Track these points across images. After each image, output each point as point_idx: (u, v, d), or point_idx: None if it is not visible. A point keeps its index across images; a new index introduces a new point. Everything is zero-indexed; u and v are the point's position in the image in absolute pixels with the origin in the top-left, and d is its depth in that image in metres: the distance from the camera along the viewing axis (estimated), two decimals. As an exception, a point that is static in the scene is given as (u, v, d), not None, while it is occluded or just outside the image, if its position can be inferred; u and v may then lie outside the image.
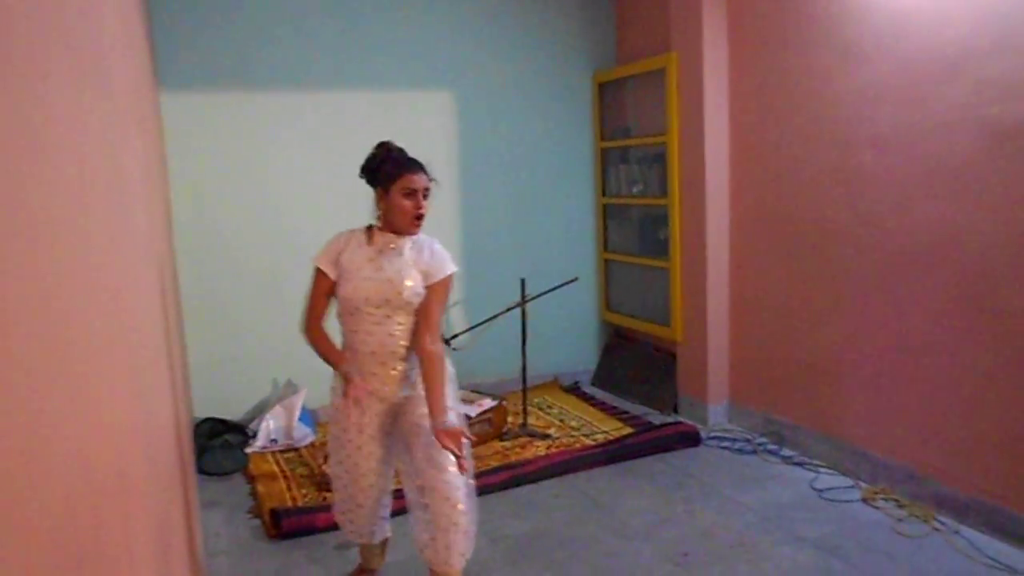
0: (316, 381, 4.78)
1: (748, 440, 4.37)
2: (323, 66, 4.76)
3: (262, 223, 4.71)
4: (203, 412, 4.50)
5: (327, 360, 2.57)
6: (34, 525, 0.58)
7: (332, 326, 2.66)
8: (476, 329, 4.63)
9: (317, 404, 4.80)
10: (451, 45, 5.05)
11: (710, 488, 3.80)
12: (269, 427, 4.45)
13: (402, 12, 4.91)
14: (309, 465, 4.16)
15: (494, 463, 4.10)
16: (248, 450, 4.34)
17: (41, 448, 0.62)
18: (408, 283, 2.48)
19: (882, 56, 3.53)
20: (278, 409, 4.53)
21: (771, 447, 4.26)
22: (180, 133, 4.44)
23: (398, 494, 3.80)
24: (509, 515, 3.56)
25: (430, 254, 2.55)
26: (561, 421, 4.80)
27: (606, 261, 5.59)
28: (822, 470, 3.93)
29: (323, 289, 2.57)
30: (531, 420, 4.71)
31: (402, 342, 2.52)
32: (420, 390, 2.54)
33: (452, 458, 2.42)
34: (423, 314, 2.50)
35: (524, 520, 3.53)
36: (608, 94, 5.44)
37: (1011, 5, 3.00)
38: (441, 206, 5.00)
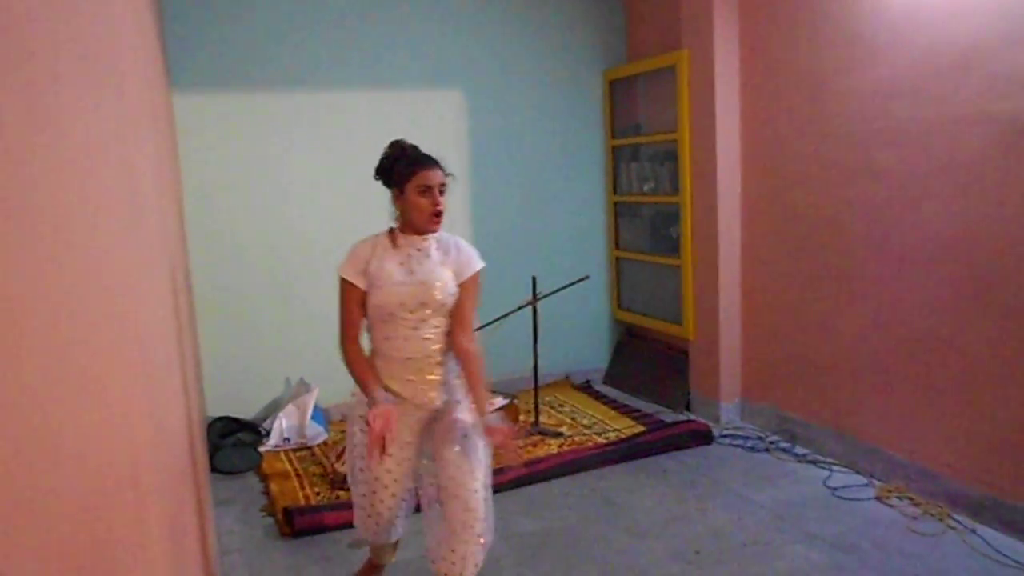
0: (328, 380, 4.80)
1: (761, 438, 4.35)
2: (333, 66, 4.77)
3: (274, 222, 4.73)
4: (216, 411, 4.53)
5: (360, 384, 2.44)
6: (47, 526, 0.59)
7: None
8: (487, 327, 4.63)
9: (330, 403, 4.82)
10: (461, 43, 5.05)
11: (722, 486, 3.79)
12: (282, 426, 4.47)
13: (412, 12, 4.91)
14: (322, 464, 4.17)
15: (491, 459, 4.09)
16: (261, 449, 4.36)
17: (53, 449, 0.63)
18: (441, 284, 2.42)
19: (894, 52, 3.50)
20: (291, 408, 4.55)
21: (784, 445, 4.24)
22: (192, 133, 4.46)
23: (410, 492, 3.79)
24: (520, 513, 3.56)
25: (457, 252, 2.50)
26: (573, 419, 4.79)
27: (617, 259, 5.58)
28: (835, 468, 3.90)
29: (355, 301, 2.46)
30: (543, 418, 4.70)
31: (438, 346, 2.45)
32: (458, 395, 2.50)
33: (480, 468, 2.42)
34: (457, 313, 2.45)
35: (535, 518, 3.53)
36: (619, 91, 5.42)
37: (1026, -1, 2.97)
38: (452, 205, 4.98)
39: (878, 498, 3.57)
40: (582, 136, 5.45)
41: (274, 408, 4.71)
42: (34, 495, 0.56)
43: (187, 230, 4.37)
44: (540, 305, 4.61)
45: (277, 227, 4.74)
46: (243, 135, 4.62)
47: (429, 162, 2.46)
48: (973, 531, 3.22)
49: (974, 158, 3.21)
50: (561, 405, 5.07)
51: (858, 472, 3.83)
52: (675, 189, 4.88)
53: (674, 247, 4.98)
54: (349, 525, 3.45)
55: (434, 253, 2.47)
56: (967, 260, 3.28)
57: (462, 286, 2.46)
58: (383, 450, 2.26)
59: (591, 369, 5.60)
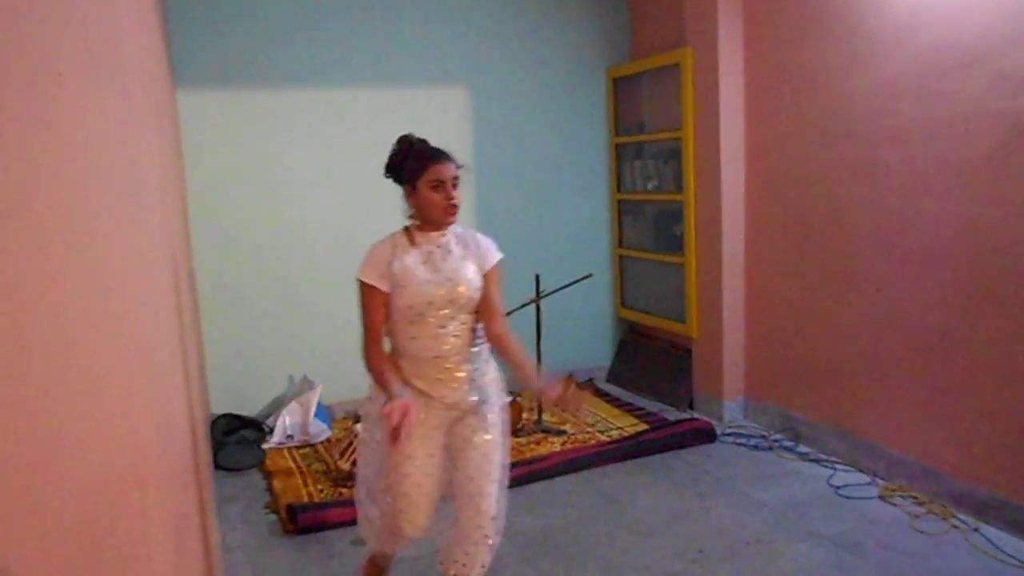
0: (332, 377, 4.81)
1: (764, 436, 4.34)
2: (337, 64, 4.77)
3: (278, 220, 4.73)
4: (220, 408, 4.54)
5: (382, 384, 2.31)
6: (50, 523, 0.59)
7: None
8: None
9: (333, 400, 4.82)
10: (465, 41, 5.05)
11: (726, 485, 3.78)
12: (285, 423, 4.48)
13: (417, 9, 4.91)
14: (325, 461, 4.18)
15: (509, 459, 4.09)
16: (265, 446, 4.37)
17: (55, 447, 0.63)
18: (468, 279, 2.36)
19: (899, 49, 3.49)
20: (294, 405, 4.56)
21: (787, 443, 4.23)
22: (196, 131, 4.47)
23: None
24: (524, 511, 3.56)
25: (475, 244, 2.45)
26: (576, 417, 4.79)
27: (621, 257, 5.57)
28: (839, 467, 3.90)
29: (379, 304, 2.36)
30: (546, 416, 4.70)
31: (465, 342, 2.38)
32: (487, 394, 2.44)
33: (497, 471, 2.42)
34: (485, 303, 2.40)
35: (539, 516, 3.53)
36: (623, 89, 5.41)
37: (1031, -4, 2.96)
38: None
39: (881, 497, 3.57)
40: (586, 134, 5.45)
41: (277, 405, 4.72)
42: (37, 493, 0.56)
43: (191, 228, 4.38)
44: (543, 303, 4.61)
45: (281, 225, 4.74)
46: (247, 133, 4.63)
47: (440, 156, 2.40)
48: (976, 530, 3.21)
49: (979, 157, 3.20)
50: (564, 403, 5.06)
51: (861, 471, 3.83)
52: (679, 187, 4.87)
53: (678, 245, 4.97)
54: (352, 522, 3.45)
55: (455, 248, 2.41)
56: (972, 258, 3.27)
57: (486, 276, 2.42)
58: (399, 440, 2.17)
59: (594, 367, 5.60)
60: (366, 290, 2.36)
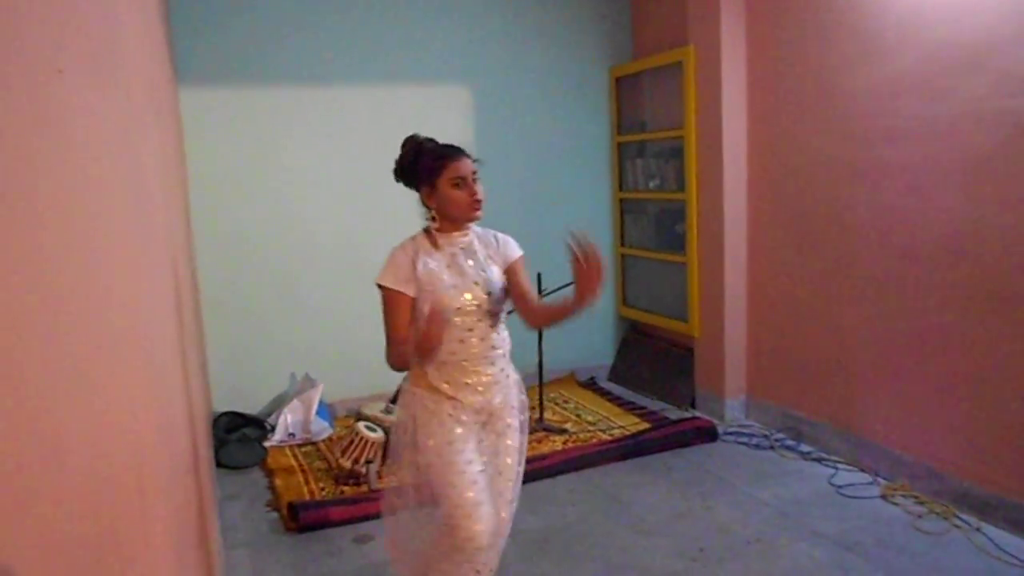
0: (334, 375, 4.81)
1: (766, 436, 4.34)
2: (339, 61, 4.77)
3: (280, 218, 4.73)
4: (222, 406, 4.54)
5: (423, 352, 2.14)
6: (50, 521, 0.59)
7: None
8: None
9: (335, 398, 4.83)
10: (467, 39, 5.05)
11: (727, 484, 3.78)
12: (287, 421, 4.48)
13: (420, 7, 4.91)
14: (327, 459, 4.18)
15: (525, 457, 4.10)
16: (266, 444, 4.37)
17: (56, 445, 0.63)
18: (493, 280, 2.32)
19: (902, 48, 3.48)
20: (296, 403, 4.56)
21: (789, 443, 4.23)
22: (198, 128, 4.47)
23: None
24: (525, 510, 3.55)
25: (496, 242, 2.42)
26: (578, 416, 4.79)
27: (623, 256, 5.57)
28: (840, 466, 3.89)
29: (404, 309, 2.29)
30: (547, 415, 4.70)
31: (491, 344, 2.32)
32: (510, 396, 2.39)
33: (512, 487, 2.36)
34: (518, 292, 2.37)
35: (540, 515, 3.53)
36: (625, 88, 5.41)
37: (1035, -5, 2.95)
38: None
39: (883, 496, 3.56)
40: (588, 133, 5.44)
41: (279, 403, 4.72)
42: (37, 491, 0.56)
43: (193, 226, 4.38)
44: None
45: (283, 222, 4.74)
46: (250, 130, 4.63)
47: (457, 151, 2.33)
48: (978, 530, 3.21)
49: (982, 156, 3.19)
50: (566, 402, 5.07)
51: (863, 470, 3.82)
52: (681, 186, 4.86)
53: (680, 244, 4.97)
54: (354, 520, 3.47)
55: (478, 248, 2.36)
56: (975, 258, 3.26)
57: (510, 270, 2.39)
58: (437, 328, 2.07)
59: (596, 366, 5.60)
60: (390, 295, 2.29)
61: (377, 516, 3.49)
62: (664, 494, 3.70)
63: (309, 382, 4.73)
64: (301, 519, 3.43)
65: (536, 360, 4.67)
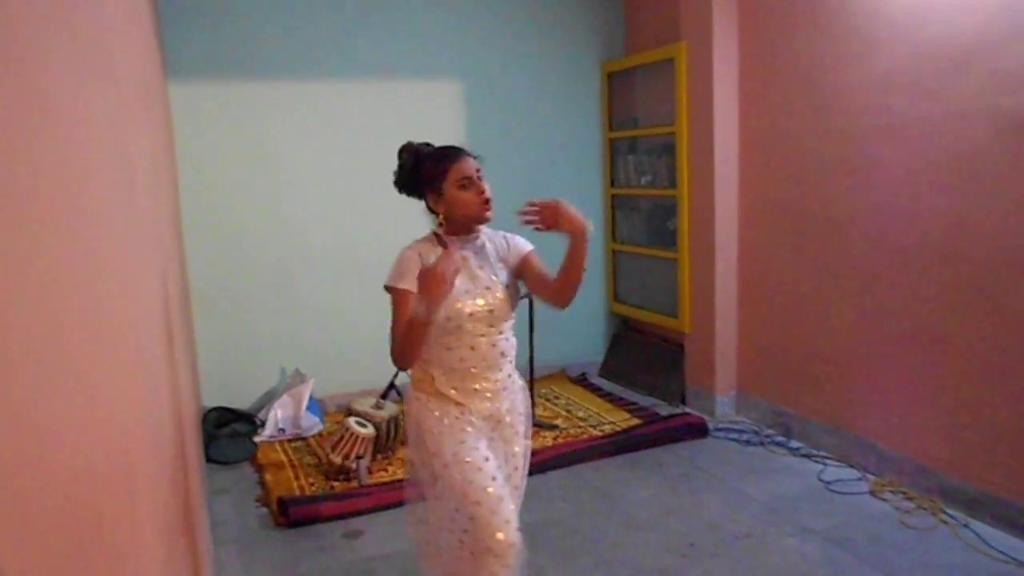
0: (324, 371, 4.80)
1: (756, 432, 4.36)
2: (331, 55, 4.75)
3: (271, 212, 4.72)
4: (212, 401, 4.52)
5: (412, 332, 2.09)
6: (36, 516, 0.58)
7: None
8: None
9: (325, 394, 4.82)
10: (459, 34, 5.03)
11: (717, 480, 3.79)
12: (277, 416, 4.47)
13: (411, 2, 4.89)
14: (317, 454, 4.17)
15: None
16: (256, 439, 4.36)
17: (42, 439, 0.62)
18: (507, 286, 2.26)
19: (895, 45, 3.49)
20: (286, 398, 4.55)
21: (778, 439, 4.24)
22: (189, 122, 4.45)
23: (403, 484, 3.81)
24: (516, 505, 3.57)
25: (505, 243, 2.36)
26: (568, 412, 4.80)
27: (614, 252, 5.57)
28: (829, 462, 3.91)
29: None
30: (538, 411, 4.71)
31: (502, 351, 2.26)
32: (516, 402, 2.33)
33: (517, 498, 2.30)
34: (538, 280, 2.29)
35: (530, 511, 3.52)
36: (617, 84, 5.41)
37: (1026, -7, 2.96)
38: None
39: (871, 492, 3.58)
40: (580, 128, 5.44)
41: (269, 399, 4.71)
42: (23, 485, 0.55)
43: (183, 220, 4.36)
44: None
45: (274, 217, 4.73)
46: (240, 124, 4.61)
47: (458, 152, 2.26)
48: (966, 525, 3.23)
49: (973, 154, 3.21)
50: (557, 398, 5.07)
51: (852, 466, 3.84)
52: (672, 182, 4.87)
53: (671, 240, 4.98)
54: (344, 515, 3.47)
55: (490, 251, 2.30)
56: (964, 256, 3.28)
57: (525, 260, 2.32)
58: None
59: (587, 362, 5.60)
60: (401, 296, 2.19)
61: (367, 511, 3.50)
62: (654, 490, 3.71)
63: (299, 377, 4.72)
64: (291, 514, 3.43)
65: (527, 356, 4.67)
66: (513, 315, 2.28)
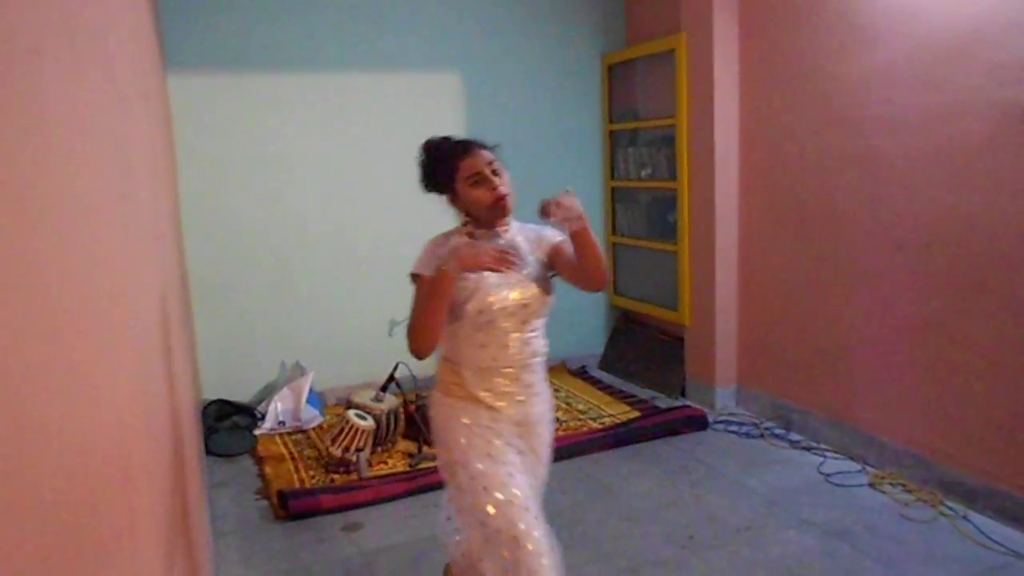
0: (324, 364, 4.80)
1: (755, 424, 4.36)
2: (331, 48, 4.74)
3: (270, 205, 4.71)
4: (212, 394, 4.52)
5: (434, 299, 2.00)
6: (31, 510, 0.58)
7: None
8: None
9: (325, 386, 4.82)
10: (459, 26, 5.02)
11: (717, 472, 3.80)
12: (277, 409, 4.48)
13: (410, -7, 4.88)
14: (317, 447, 4.17)
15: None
16: (256, 432, 4.36)
17: (38, 433, 0.62)
18: (541, 277, 2.17)
19: (895, 37, 3.48)
20: (286, 391, 4.55)
21: (778, 431, 4.25)
22: (187, 116, 4.43)
23: (402, 476, 3.81)
24: (515, 498, 3.57)
25: (536, 234, 2.25)
26: (568, 405, 4.80)
27: (614, 244, 5.56)
28: (829, 455, 3.91)
29: None
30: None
31: (535, 350, 2.18)
32: (545, 409, 2.25)
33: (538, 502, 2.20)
34: (570, 264, 2.17)
35: (530, 503, 3.53)
36: (617, 76, 5.39)
37: (1027, -16, 2.94)
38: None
39: (871, 484, 3.59)
40: (580, 120, 5.43)
41: (269, 391, 4.71)
42: (15, 480, 0.55)
43: (183, 213, 4.35)
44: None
45: (274, 209, 4.72)
46: (239, 117, 4.60)
47: (466, 147, 2.16)
48: (965, 517, 3.23)
49: (973, 146, 3.20)
50: (556, 390, 5.07)
51: (852, 458, 3.84)
52: (673, 175, 4.86)
53: (671, 233, 4.97)
54: (344, 508, 3.47)
55: (522, 244, 2.18)
56: (964, 247, 3.27)
57: (555, 252, 2.21)
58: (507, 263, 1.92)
59: (587, 355, 5.60)
60: (426, 283, 2.07)
61: (367, 504, 3.51)
62: (654, 482, 3.71)
63: (299, 370, 4.72)
64: (291, 507, 3.43)
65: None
66: (547, 311, 2.19)
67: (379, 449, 4.04)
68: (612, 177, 5.48)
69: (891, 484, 3.56)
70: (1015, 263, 3.08)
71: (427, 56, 4.95)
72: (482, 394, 2.12)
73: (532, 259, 2.18)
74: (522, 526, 2.01)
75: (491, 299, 2.08)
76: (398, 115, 4.90)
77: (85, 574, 0.72)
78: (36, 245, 0.66)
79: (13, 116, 0.62)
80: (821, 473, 3.73)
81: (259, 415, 4.50)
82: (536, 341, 2.19)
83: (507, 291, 2.10)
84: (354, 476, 3.79)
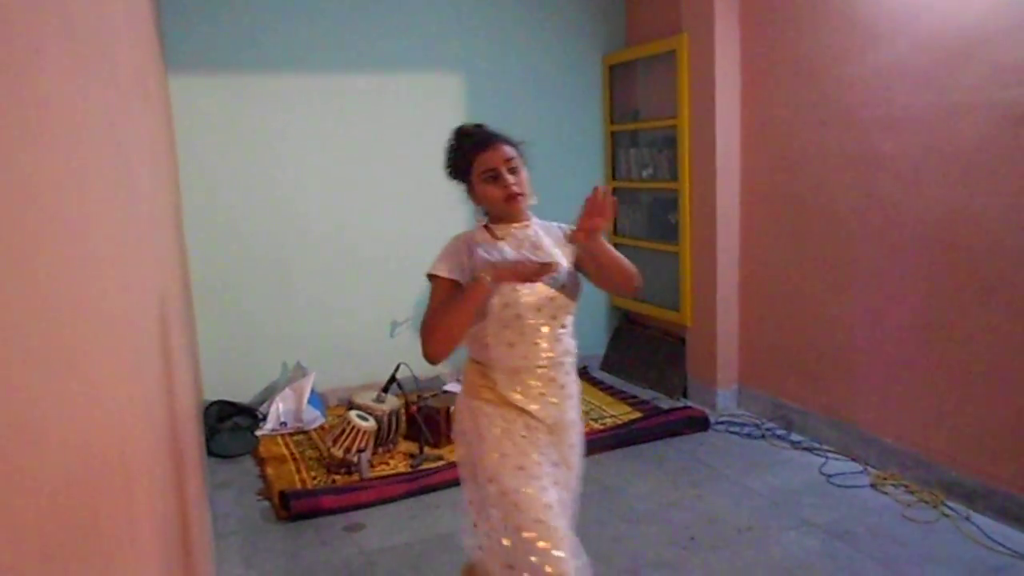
0: (325, 364, 4.81)
1: (757, 425, 4.35)
2: (332, 49, 4.74)
3: (272, 205, 4.71)
4: (213, 395, 4.53)
5: (463, 309, 1.92)
6: (30, 510, 0.58)
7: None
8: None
9: (326, 387, 4.82)
10: (460, 27, 5.02)
11: (718, 473, 3.79)
12: (279, 410, 4.48)
13: (411, -6, 4.88)
14: (318, 448, 4.17)
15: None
16: (258, 432, 4.36)
17: (37, 432, 0.62)
18: (566, 272, 2.08)
19: (897, 38, 3.48)
20: (287, 392, 4.55)
21: (780, 432, 4.24)
22: (188, 116, 4.43)
23: (404, 477, 3.82)
24: (517, 498, 3.57)
25: (561, 233, 2.18)
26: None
27: (616, 245, 5.54)
28: (831, 455, 3.91)
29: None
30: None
31: (566, 348, 2.10)
32: (576, 415, 2.17)
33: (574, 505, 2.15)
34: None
35: (532, 503, 3.53)
36: (618, 76, 5.39)
37: (1029, -15, 2.94)
38: (450, 189, 4.97)
39: (873, 485, 3.58)
40: (581, 121, 5.42)
41: (271, 392, 4.71)
42: (13, 479, 0.55)
43: (184, 213, 4.35)
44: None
45: (275, 210, 4.72)
46: (241, 117, 4.60)
47: (487, 141, 2.08)
48: (967, 518, 3.23)
49: (974, 146, 3.19)
50: (558, 391, 5.06)
51: (853, 459, 3.84)
52: (674, 175, 4.86)
53: (672, 234, 4.97)
54: (345, 509, 3.47)
55: (544, 238, 2.12)
56: (966, 249, 3.27)
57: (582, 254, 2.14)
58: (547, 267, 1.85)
59: (588, 355, 5.58)
60: (441, 284, 2.03)
61: (369, 505, 3.51)
62: (655, 483, 3.71)
63: (301, 371, 4.72)
64: (292, 508, 3.43)
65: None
66: (575, 307, 2.11)
67: (380, 450, 4.04)
68: (613, 177, 5.48)
69: (893, 485, 3.55)
70: (1016, 263, 3.08)
71: (428, 57, 4.95)
72: (514, 396, 2.03)
73: (558, 253, 2.10)
74: (547, 545, 1.93)
75: (517, 292, 2.00)
76: (399, 116, 4.91)
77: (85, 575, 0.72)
78: (35, 247, 0.66)
79: (13, 115, 0.62)
80: (823, 474, 3.72)
81: (260, 416, 4.50)
82: (567, 339, 2.10)
83: (533, 284, 2.00)
84: (355, 477, 3.79)
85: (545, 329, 2.04)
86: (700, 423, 4.33)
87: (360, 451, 3.79)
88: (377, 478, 3.76)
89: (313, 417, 4.50)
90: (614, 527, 3.30)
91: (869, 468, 3.74)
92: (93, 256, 0.95)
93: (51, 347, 0.69)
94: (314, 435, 4.38)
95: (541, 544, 1.92)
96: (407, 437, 4.22)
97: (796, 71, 4.04)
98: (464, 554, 2.26)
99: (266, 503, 3.63)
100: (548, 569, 1.91)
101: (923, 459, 3.51)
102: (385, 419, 4.01)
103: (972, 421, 3.30)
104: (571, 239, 2.05)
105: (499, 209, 2.08)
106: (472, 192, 2.13)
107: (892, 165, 3.56)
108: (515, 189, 2.06)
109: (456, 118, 5.00)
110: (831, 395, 4.02)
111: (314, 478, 3.82)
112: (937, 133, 3.34)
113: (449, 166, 2.15)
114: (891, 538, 3.12)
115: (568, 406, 2.11)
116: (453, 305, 1.95)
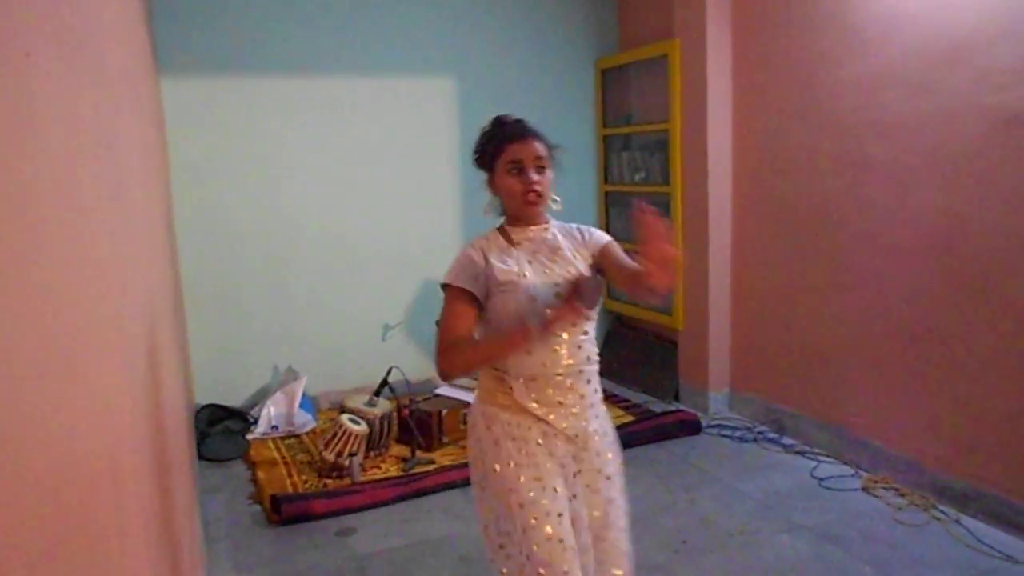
0: (317, 368, 4.79)
1: (749, 428, 4.36)
2: (325, 52, 4.73)
3: (264, 209, 4.70)
4: (204, 398, 4.51)
5: (497, 351, 1.93)
6: (17, 513, 0.57)
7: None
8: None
9: (318, 391, 4.81)
10: (453, 31, 5.02)
11: (710, 476, 3.80)
12: (270, 413, 4.46)
13: (404, -3, 4.88)
14: (310, 451, 4.16)
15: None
16: (249, 436, 4.35)
17: (30, 436, 0.62)
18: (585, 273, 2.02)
19: (887, 42, 3.49)
20: (279, 396, 4.54)
21: (771, 435, 4.25)
22: (181, 119, 4.42)
23: (396, 481, 3.80)
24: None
25: (581, 234, 2.11)
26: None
27: (608, 249, 5.56)
28: (822, 459, 3.92)
29: (469, 311, 1.96)
30: (532, 408, 4.70)
31: (588, 355, 2.03)
32: (604, 424, 2.10)
33: (623, 518, 2.12)
34: (621, 272, 2.03)
35: (524, 507, 3.53)
36: (611, 80, 5.40)
37: (1018, -9, 2.96)
38: (443, 194, 4.98)
39: (864, 489, 3.59)
40: (573, 125, 5.43)
41: (262, 396, 4.69)
42: (9, 481, 0.55)
43: (176, 217, 4.34)
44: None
45: (268, 214, 4.71)
46: (233, 122, 4.59)
47: (521, 133, 2.03)
48: (957, 521, 3.24)
49: (965, 150, 3.21)
50: (550, 394, 5.06)
51: (845, 463, 3.85)
52: (666, 179, 4.87)
53: (664, 237, 4.97)
54: (337, 513, 3.46)
55: (563, 242, 2.05)
56: (956, 252, 3.28)
57: (603, 255, 2.08)
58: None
59: (581, 359, 5.59)
60: (455, 294, 1.97)
61: (360, 509, 3.50)
62: (647, 487, 3.71)
63: (292, 374, 4.71)
64: (284, 512, 3.42)
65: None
66: (595, 312, 2.03)
67: (372, 454, 4.03)
68: (606, 181, 5.49)
69: (884, 488, 3.57)
70: (1006, 267, 3.09)
71: (421, 61, 4.95)
72: (531, 405, 1.95)
73: (578, 260, 2.05)
74: (561, 565, 1.88)
75: (531, 299, 1.93)
76: (392, 120, 4.90)
77: (73, 578, 0.72)
78: (25, 248, 0.66)
79: (5, 118, 0.62)
80: (814, 477, 3.73)
81: (252, 419, 4.49)
82: (588, 345, 2.03)
83: (549, 290, 1.95)
84: (347, 481, 3.77)
85: (565, 335, 1.97)
86: (692, 426, 4.34)
87: (352, 455, 3.78)
88: (369, 482, 3.75)
89: (305, 421, 4.48)
90: (606, 531, 3.30)
91: (860, 471, 3.75)
92: (83, 258, 0.95)
93: (41, 352, 0.69)
94: (306, 439, 4.36)
95: (554, 564, 1.87)
96: (399, 441, 4.21)
97: (787, 76, 4.06)
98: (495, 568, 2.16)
99: (257, 507, 3.61)
100: None
101: (914, 462, 3.53)
102: (377, 423, 4.00)
103: (963, 425, 3.31)
104: (642, 285, 1.90)
105: (516, 205, 2.02)
106: (492, 182, 2.07)
107: (883, 169, 3.58)
108: (537, 188, 2.00)
109: (449, 122, 5.03)
110: (823, 399, 4.03)
111: (305, 482, 3.81)
112: (927, 137, 3.36)
113: (477, 151, 2.10)
114: (882, 541, 3.13)
115: (590, 415, 2.03)
116: (490, 345, 1.93)
